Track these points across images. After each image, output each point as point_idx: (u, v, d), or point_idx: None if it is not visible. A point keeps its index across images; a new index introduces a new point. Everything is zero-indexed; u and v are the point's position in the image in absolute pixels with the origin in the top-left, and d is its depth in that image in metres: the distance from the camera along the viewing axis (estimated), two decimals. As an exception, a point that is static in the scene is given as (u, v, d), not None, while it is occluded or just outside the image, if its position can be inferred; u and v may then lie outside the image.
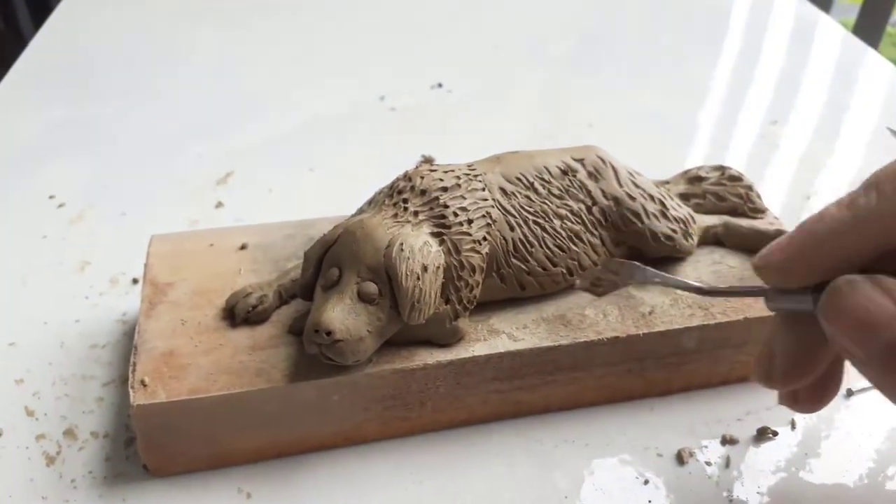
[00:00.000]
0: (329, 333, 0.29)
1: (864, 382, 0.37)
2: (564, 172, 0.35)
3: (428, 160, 0.53)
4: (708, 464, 0.33)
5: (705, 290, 0.28)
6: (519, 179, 0.35)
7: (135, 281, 0.42)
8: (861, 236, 0.22)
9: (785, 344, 0.25)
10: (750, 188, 0.40)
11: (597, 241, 0.35)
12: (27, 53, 0.67)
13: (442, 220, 0.32)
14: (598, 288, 0.32)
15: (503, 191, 0.34)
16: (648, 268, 0.30)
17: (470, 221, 0.33)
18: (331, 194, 0.49)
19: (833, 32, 0.74)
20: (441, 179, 0.33)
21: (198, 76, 0.64)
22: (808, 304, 0.23)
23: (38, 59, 0.66)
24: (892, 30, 1.91)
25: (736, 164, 0.43)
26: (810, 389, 0.27)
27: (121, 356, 0.37)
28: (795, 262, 0.24)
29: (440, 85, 0.63)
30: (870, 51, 0.71)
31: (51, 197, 0.49)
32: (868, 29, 1.13)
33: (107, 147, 0.55)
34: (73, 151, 0.54)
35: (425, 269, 0.30)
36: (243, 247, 0.38)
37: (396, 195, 0.33)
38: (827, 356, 0.25)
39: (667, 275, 0.30)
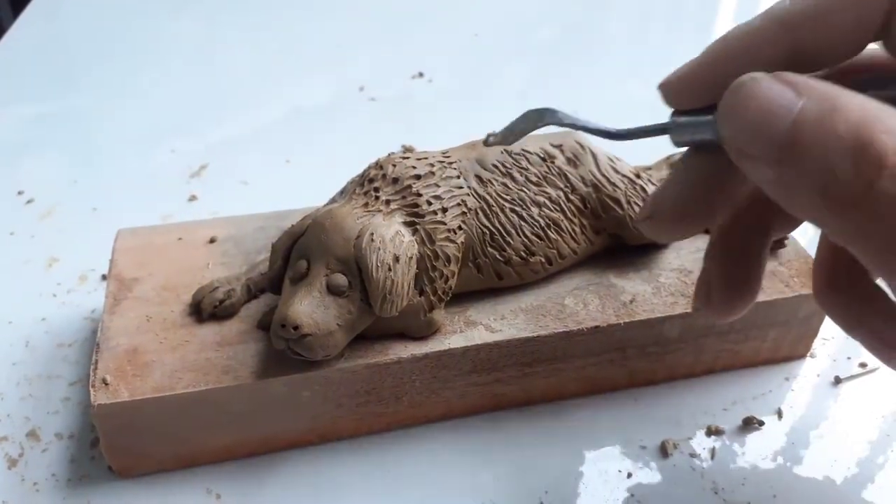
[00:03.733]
0: (296, 328, 0.28)
1: (852, 370, 0.36)
2: (542, 159, 0.34)
3: (409, 150, 0.51)
4: (693, 455, 0.32)
5: (613, 134, 0.27)
6: (495, 166, 0.34)
7: (104, 277, 0.41)
8: (771, 37, 0.21)
9: (682, 174, 0.24)
10: (734, 173, 0.39)
11: (576, 229, 0.34)
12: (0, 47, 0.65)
13: (415, 209, 0.31)
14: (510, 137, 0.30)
15: (479, 178, 0.33)
16: (560, 111, 0.29)
17: (444, 210, 0.32)
18: (308, 186, 0.47)
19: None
20: (414, 167, 0.32)
21: (174, 69, 0.63)
22: (711, 129, 0.22)
23: (10, 54, 0.65)
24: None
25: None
26: (723, 285, 0.25)
27: (88, 355, 0.36)
28: (703, 70, 0.22)
29: (421, 74, 0.62)
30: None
31: (20, 193, 0.48)
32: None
33: (79, 142, 0.53)
34: (44, 146, 0.53)
35: (397, 259, 0.29)
36: (212, 240, 0.36)
37: (367, 184, 0.32)
38: (724, 198, 0.23)
39: (577, 118, 0.28)
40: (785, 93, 0.19)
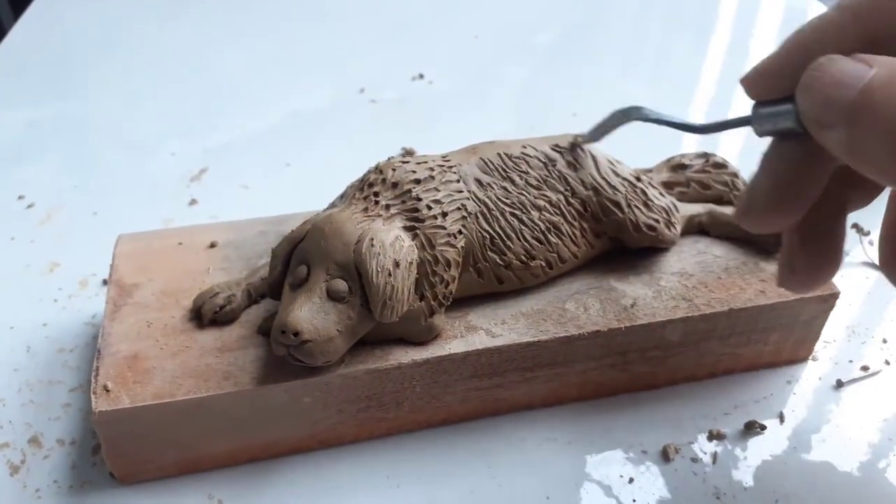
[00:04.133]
0: (296, 334, 0.28)
1: (854, 373, 0.36)
2: (542, 162, 0.34)
3: (409, 153, 0.51)
4: (694, 460, 0.32)
5: (698, 128, 0.28)
6: (495, 170, 0.34)
7: (105, 282, 0.41)
8: (844, 27, 0.22)
9: (771, 166, 0.24)
10: (735, 175, 0.39)
11: (576, 233, 0.34)
12: (-1, 51, 0.65)
13: (415, 214, 0.31)
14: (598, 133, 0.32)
15: (479, 182, 0.33)
16: (645, 107, 0.30)
17: (444, 214, 0.31)
18: (309, 190, 0.47)
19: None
20: (414, 171, 0.32)
21: (173, 72, 0.63)
22: (792, 116, 0.23)
23: (9, 58, 0.65)
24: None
25: (727, 153, 0.42)
26: (807, 254, 0.26)
27: (89, 360, 0.36)
28: (780, 62, 0.24)
29: (421, 76, 0.61)
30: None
31: (20, 197, 0.48)
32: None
33: (78, 146, 0.53)
34: (43, 151, 0.53)
35: (397, 264, 0.29)
36: (213, 245, 0.36)
37: (367, 188, 0.32)
38: (816, 183, 0.24)
39: (662, 114, 0.29)
40: (857, 65, 0.20)
